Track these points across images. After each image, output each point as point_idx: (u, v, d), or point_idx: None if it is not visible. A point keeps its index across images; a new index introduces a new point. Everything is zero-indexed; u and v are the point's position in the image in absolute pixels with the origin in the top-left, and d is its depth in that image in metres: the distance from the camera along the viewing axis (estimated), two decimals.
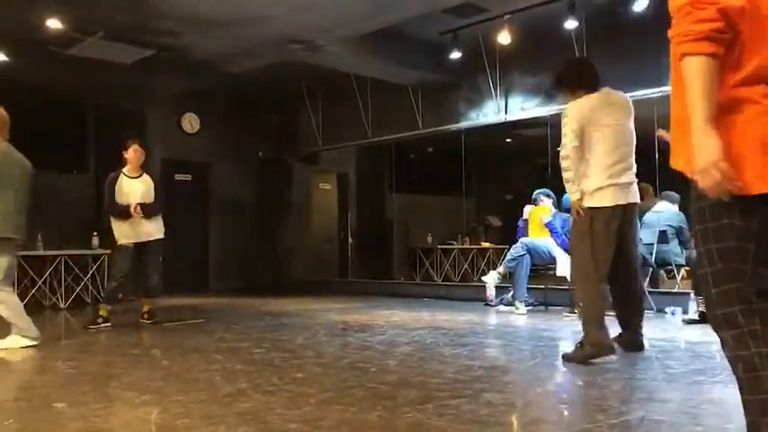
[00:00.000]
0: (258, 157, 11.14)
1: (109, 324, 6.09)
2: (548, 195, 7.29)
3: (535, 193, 7.40)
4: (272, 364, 4.09)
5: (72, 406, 3.03)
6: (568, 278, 6.83)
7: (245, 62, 8.18)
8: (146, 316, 6.31)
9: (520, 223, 7.45)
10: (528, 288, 7.13)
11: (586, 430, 2.55)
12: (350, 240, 11.50)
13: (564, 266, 6.95)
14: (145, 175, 6.33)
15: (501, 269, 7.22)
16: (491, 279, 7.32)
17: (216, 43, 7.53)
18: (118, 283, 6.15)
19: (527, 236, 7.23)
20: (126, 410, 3.16)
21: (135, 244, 6.15)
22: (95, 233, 8.42)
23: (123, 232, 6.14)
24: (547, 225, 7.04)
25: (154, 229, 6.23)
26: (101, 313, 6.16)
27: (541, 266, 7.14)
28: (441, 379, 3.53)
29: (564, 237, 7.15)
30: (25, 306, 7.86)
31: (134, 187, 6.18)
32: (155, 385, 3.56)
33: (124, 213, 6.07)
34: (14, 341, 4.89)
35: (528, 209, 7.40)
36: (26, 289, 8.05)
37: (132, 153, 6.21)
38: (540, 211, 7.20)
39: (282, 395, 3.18)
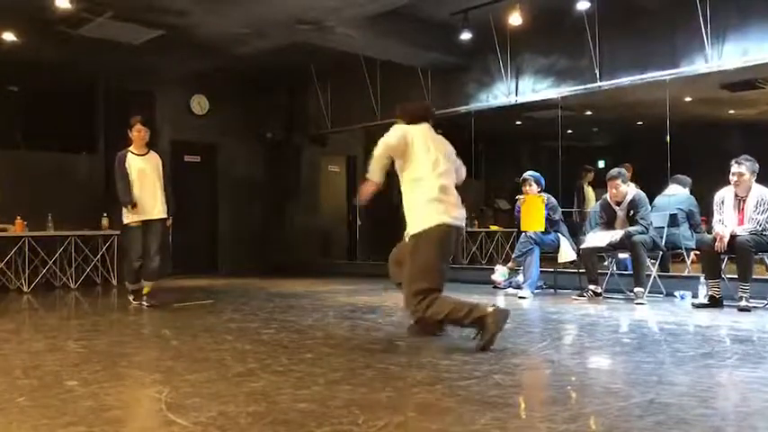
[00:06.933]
0: (267, 138, 11.14)
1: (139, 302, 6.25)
2: (537, 181, 7.02)
3: (526, 174, 7.09)
4: (282, 344, 4.11)
5: (83, 384, 3.06)
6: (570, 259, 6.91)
7: (253, 43, 8.14)
8: (144, 299, 6.22)
9: (516, 213, 7.25)
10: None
11: (595, 412, 2.55)
12: (358, 222, 11.49)
13: (566, 253, 6.91)
14: (152, 152, 6.35)
15: (511, 264, 7.19)
16: (500, 276, 7.30)
17: (225, 24, 7.49)
18: (139, 264, 6.19)
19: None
20: (137, 389, 3.19)
21: (143, 222, 6.18)
22: (105, 214, 8.47)
23: (131, 210, 6.16)
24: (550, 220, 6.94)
25: (159, 208, 6.25)
26: (134, 292, 6.32)
27: (550, 252, 7.09)
28: (450, 360, 3.53)
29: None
30: (36, 286, 8.04)
31: (140, 165, 6.20)
32: (165, 365, 3.59)
33: (127, 202, 6.11)
34: None
35: (520, 199, 7.11)
36: (37, 269, 8.12)
37: (136, 133, 6.24)
38: (535, 202, 6.94)
39: (292, 375, 3.19)
